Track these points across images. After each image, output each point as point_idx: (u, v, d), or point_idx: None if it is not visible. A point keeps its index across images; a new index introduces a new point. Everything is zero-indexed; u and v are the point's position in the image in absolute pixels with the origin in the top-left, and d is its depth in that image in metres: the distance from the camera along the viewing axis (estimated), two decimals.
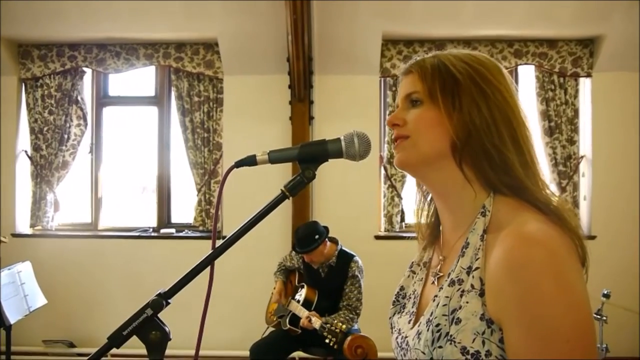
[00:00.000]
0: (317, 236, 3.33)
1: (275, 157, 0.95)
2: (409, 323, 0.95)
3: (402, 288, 1.05)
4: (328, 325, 3.08)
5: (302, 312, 3.30)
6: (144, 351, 0.88)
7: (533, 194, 0.85)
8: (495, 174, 0.87)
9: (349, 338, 2.91)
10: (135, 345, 0.95)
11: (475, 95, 0.89)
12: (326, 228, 3.46)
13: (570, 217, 0.82)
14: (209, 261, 0.91)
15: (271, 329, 3.58)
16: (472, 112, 0.88)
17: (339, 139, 0.95)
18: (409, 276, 1.05)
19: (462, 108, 0.88)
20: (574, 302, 0.74)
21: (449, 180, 0.91)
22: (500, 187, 0.87)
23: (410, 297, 1.01)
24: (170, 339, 0.88)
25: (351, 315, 3.28)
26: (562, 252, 0.76)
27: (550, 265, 0.74)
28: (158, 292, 0.88)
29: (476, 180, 0.89)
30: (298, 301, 3.42)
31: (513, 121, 0.89)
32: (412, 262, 1.06)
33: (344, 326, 3.09)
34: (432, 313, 0.85)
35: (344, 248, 3.49)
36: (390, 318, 1.03)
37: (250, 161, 0.95)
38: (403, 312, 1.01)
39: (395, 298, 1.05)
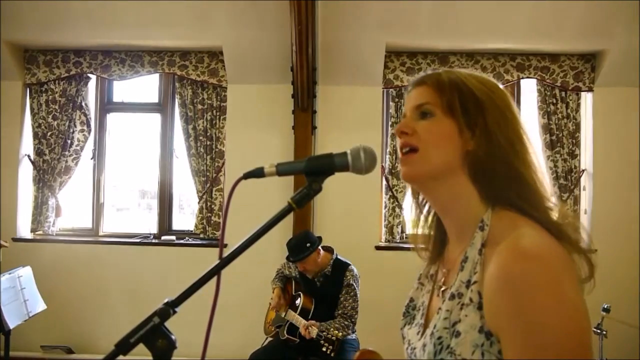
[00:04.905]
0: (308, 244, 3.34)
1: (283, 170, 0.95)
2: (418, 334, 0.97)
3: (411, 299, 1.07)
4: (324, 333, 3.10)
5: (300, 321, 3.31)
6: (149, 357, 0.89)
7: (534, 208, 0.87)
8: (510, 191, 0.89)
9: (358, 352, 2.91)
10: (139, 353, 0.96)
11: (498, 116, 0.92)
12: (319, 238, 3.46)
13: (569, 231, 0.85)
14: (215, 271, 0.92)
15: (270, 339, 3.57)
16: (497, 132, 0.91)
17: (345, 153, 0.95)
18: (417, 288, 1.07)
19: (486, 126, 0.91)
20: (568, 315, 0.75)
21: (453, 195, 0.93)
22: (505, 202, 0.89)
23: (419, 309, 1.03)
24: (176, 348, 0.89)
25: (346, 323, 3.28)
26: (557, 266, 0.78)
27: (544, 278, 0.75)
28: (165, 300, 0.90)
29: (478, 195, 0.91)
30: (295, 310, 3.42)
31: (526, 142, 0.93)
32: (420, 274, 1.08)
33: (339, 334, 3.11)
34: (435, 326, 0.87)
35: (339, 257, 3.49)
36: (401, 329, 1.05)
37: (258, 173, 0.95)
38: (413, 323, 1.03)
39: (406, 309, 1.06)
